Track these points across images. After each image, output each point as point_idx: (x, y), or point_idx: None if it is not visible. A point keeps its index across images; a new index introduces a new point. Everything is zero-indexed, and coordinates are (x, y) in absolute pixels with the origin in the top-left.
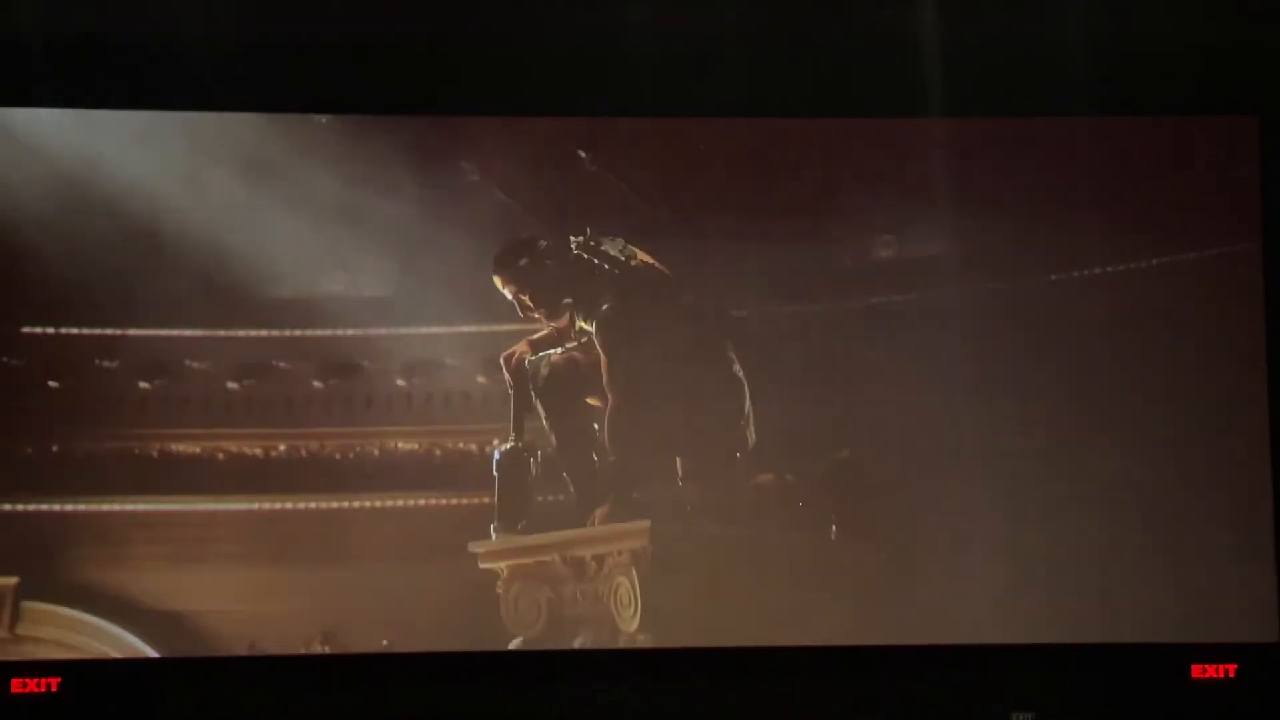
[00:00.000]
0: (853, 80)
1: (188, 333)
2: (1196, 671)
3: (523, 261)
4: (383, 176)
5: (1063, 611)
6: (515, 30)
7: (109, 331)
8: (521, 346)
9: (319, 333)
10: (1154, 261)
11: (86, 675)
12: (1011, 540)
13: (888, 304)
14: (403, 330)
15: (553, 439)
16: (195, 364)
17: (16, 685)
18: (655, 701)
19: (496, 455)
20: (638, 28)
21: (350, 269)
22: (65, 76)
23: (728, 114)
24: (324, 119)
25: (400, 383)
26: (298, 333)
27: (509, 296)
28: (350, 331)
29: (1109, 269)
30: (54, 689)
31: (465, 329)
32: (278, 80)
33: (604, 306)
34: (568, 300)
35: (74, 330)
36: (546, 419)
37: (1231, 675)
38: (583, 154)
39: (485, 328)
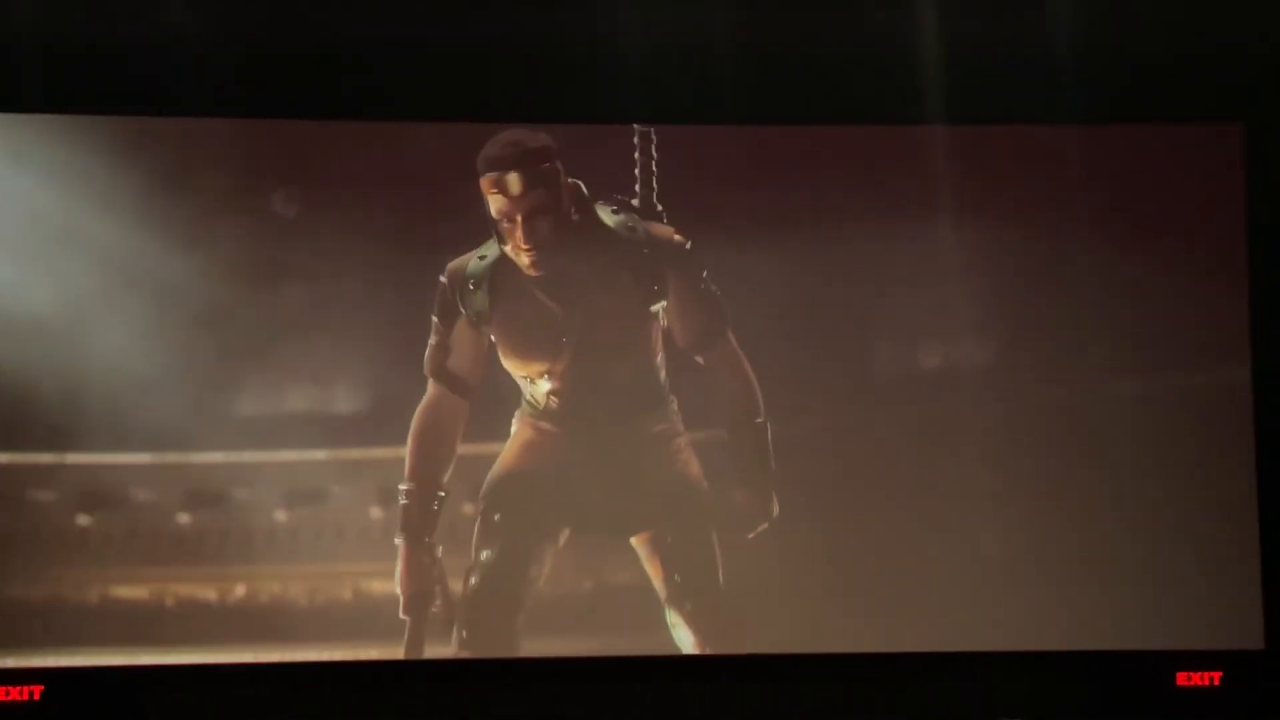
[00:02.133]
0: (840, 85)
1: (133, 458)
2: (1181, 679)
3: (545, 166)
4: (359, 276)
5: (1048, 619)
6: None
7: (43, 458)
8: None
9: (283, 456)
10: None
11: (70, 682)
12: (997, 547)
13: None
14: (378, 451)
15: None
16: (142, 493)
17: None
18: (649, 703)
19: None
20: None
21: (321, 381)
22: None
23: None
24: (293, 212)
25: (376, 513)
26: (259, 456)
27: (521, 215)
28: (320, 454)
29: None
30: (36, 697)
31: None
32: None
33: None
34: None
35: (2, 458)
36: None
37: (1216, 683)
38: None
39: (475, 447)
